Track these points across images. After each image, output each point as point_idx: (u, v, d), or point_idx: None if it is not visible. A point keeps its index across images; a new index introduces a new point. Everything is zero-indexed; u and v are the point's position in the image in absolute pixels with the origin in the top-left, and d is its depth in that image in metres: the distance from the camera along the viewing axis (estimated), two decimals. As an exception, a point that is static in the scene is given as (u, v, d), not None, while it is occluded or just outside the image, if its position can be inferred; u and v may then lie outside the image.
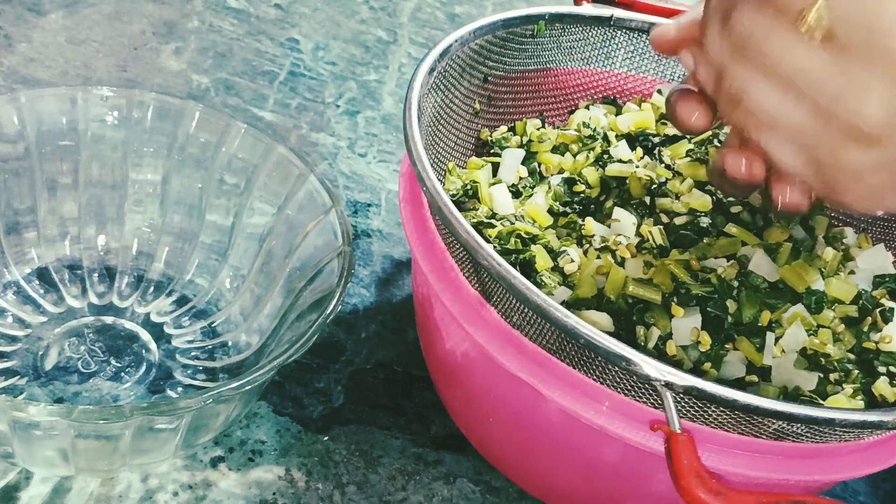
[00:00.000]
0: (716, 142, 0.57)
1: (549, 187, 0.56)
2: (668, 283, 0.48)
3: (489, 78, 0.59)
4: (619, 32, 0.63)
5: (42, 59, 0.74)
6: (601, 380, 0.43)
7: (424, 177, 0.45)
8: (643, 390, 0.42)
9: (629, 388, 0.42)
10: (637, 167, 0.55)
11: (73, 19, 0.79)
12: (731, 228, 0.51)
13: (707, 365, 0.47)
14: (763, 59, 0.35)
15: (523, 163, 0.58)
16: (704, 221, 0.52)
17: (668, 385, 0.39)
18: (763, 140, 0.37)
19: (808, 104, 0.34)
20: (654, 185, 0.54)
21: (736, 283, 0.49)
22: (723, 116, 0.39)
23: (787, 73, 0.34)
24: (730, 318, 0.48)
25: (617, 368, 0.41)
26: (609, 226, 0.52)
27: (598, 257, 0.50)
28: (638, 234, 0.52)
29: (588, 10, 0.61)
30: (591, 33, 0.62)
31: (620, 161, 0.56)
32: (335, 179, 0.72)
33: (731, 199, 0.53)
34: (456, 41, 0.54)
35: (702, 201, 0.53)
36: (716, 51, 0.37)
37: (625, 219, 0.52)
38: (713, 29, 0.37)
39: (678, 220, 0.52)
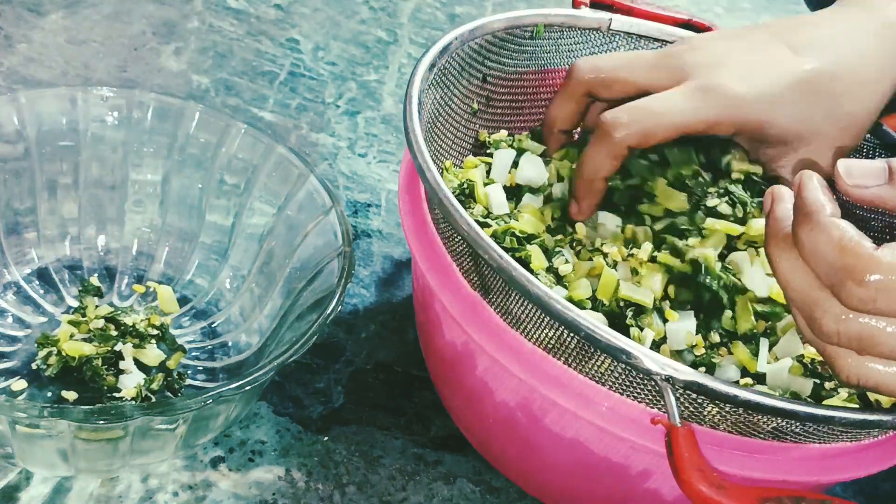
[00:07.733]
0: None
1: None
2: (658, 287, 0.48)
3: (488, 78, 0.59)
4: (619, 36, 0.62)
5: (42, 60, 0.74)
6: (601, 380, 0.42)
7: (425, 168, 0.45)
8: (643, 389, 0.42)
9: (628, 386, 0.42)
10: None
11: (73, 19, 0.79)
12: (715, 224, 0.50)
13: (701, 369, 0.47)
14: None
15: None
16: (683, 221, 0.51)
17: (669, 379, 0.38)
18: None
19: None
20: (634, 190, 0.53)
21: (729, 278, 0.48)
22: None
23: None
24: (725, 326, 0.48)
25: (617, 364, 0.41)
26: (596, 229, 0.52)
27: (591, 259, 0.50)
28: (627, 240, 0.52)
29: (587, 14, 0.61)
30: (590, 36, 0.62)
31: None
32: (335, 180, 0.72)
33: (705, 202, 0.52)
34: (456, 38, 0.54)
35: (678, 201, 0.52)
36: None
37: (609, 221, 0.52)
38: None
39: (657, 226, 0.52)
